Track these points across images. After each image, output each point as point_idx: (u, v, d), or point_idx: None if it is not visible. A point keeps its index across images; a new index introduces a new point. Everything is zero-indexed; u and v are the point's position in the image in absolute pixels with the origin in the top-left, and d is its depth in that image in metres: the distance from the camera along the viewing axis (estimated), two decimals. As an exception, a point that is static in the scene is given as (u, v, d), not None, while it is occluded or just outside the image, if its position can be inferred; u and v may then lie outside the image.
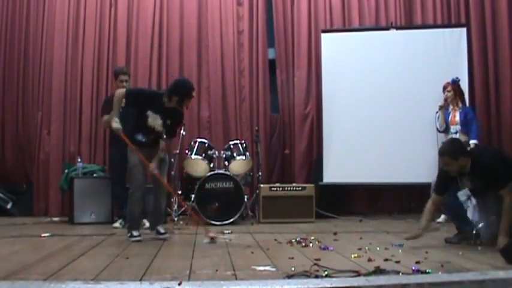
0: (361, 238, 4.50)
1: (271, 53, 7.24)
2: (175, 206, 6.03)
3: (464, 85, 6.24)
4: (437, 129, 5.95)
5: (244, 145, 6.18)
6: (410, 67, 6.44)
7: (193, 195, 5.88)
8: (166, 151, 4.69)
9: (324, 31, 6.80)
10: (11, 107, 6.98)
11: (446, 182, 4.07)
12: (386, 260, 3.32)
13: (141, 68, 6.98)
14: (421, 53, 6.46)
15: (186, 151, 6.15)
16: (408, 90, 6.41)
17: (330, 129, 6.56)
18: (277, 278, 2.80)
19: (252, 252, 3.79)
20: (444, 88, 5.90)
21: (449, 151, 3.91)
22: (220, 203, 5.80)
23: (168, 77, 6.99)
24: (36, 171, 6.85)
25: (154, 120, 4.43)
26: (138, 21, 7.05)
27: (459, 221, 4.19)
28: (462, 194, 4.01)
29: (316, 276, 2.79)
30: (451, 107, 5.87)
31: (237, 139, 6.35)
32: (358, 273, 2.85)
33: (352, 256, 3.49)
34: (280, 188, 6.01)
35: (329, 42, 6.67)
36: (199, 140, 6.19)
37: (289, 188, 6.05)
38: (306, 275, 2.84)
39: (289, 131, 7.07)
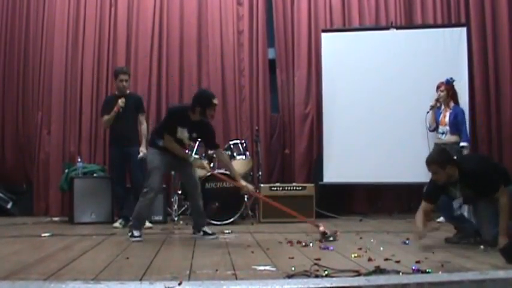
0: (361, 238, 4.50)
1: (271, 53, 7.24)
2: (175, 206, 6.03)
3: (464, 85, 6.26)
4: (427, 128, 5.96)
5: (244, 145, 6.18)
6: (410, 67, 6.44)
7: (193, 195, 5.88)
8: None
9: (324, 31, 6.80)
10: (11, 107, 6.99)
11: (437, 190, 4.06)
12: (386, 259, 3.32)
13: (141, 68, 6.99)
14: (421, 52, 6.46)
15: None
16: (408, 90, 6.41)
17: (330, 129, 6.55)
18: (277, 278, 2.79)
19: (252, 252, 3.79)
20: (438, 87, 5.91)
21: (437, 160, 3.95)
22: (220, 203, 5.80)
23: (168, 77, 7.01)
24: (36, 171, 6.85)
25: (182, 133, 4.55)
26: (138, 21, 7.06)
27: (456, 220, 4.19)
28: (455, 203, 4.03)
29: (316, 276, 2.79)
30: (442, 107, 5.87)
31: (237, 139, 6.35)
32: (358, 273, 2.85)
33: (352, 256, 3.49)
34: (280, 188, 6.01)
35: (329, 42, 6.67)
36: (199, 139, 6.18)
37: (289, 188, 6.05)
38: (306, 274, 2.84)
39: (289, 131, 7.07)
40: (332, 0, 7.12)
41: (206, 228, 4.70)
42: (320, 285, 2.65)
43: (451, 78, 5.89)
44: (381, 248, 3.86)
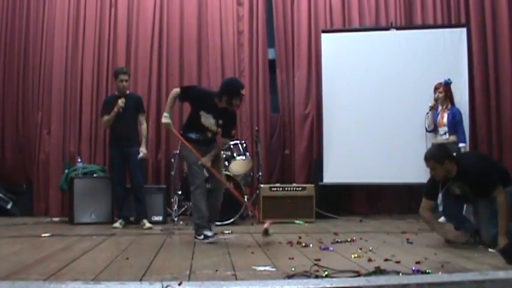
0: (361, 238, 4.50)
1: (271, 53, 7.24)
2: (175, 206, 6.03)
3: (464, 85, 6.28)
4: (425, 129, 5.97)
5: (244, 145, 6.18)
6: (410, 67, 6.44)
7: (193, 195, 5.88)
8: (218, 149, 4.69)
9: (324, 31, 6.80)
10: (11, 107, 6.99)
11: (437, 187, 4.08)
12: (386, 260, 3.32)
13: (141, 68, 6.99)
14: (421, 53, 6.46)
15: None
16: (408, 90, 6.41)
17: (330, 129, 6.55)
18: (277, 278, 2.80)
19: (252, 252, 3.79)
20: (436, 89, 5.93)
21: (434, 155, 3.96)
22: (220, 203, 5.78)
23: (168, 77, 7.01)
24: (36, 171, 6.85)
25: (207, 120, 4.48)
26: (138, 21, 7.06)
27: (456, 220, 4.20)
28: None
29: (316, 277, 2.79)
30: (439, 108, 5.89)
31: (237, 139, 6.34)
32: (358, 274, 2.85)
33: (352, 256, 3.49)
34: (280, 188, 6.01)
35: (329, 42, 6.66)
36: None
37: (289, 188, 6.05)
38: (306, 275, 2.84)
39: (289, 131, 7.07)
40: (332, 1, 7.12)
41: (211, 226, 4.60)
42: (320, 286, 2.65)
43: (449, 79, 5.92)
44: (381, 248, 3.86)
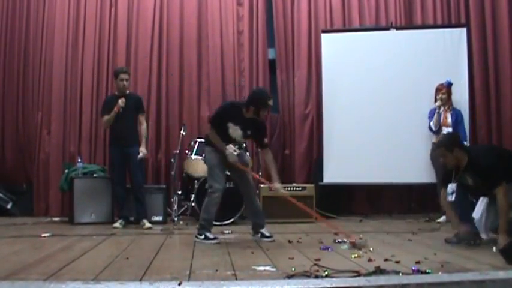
0: (361, 238, 4.49)
1: (271, 53, 7.23)
2: (175, 206, 6.03)
3: (464, 85, 6.29)
4: (430, 128, 5.97)
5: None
6: (410, 67, 6.44)
7: (193, 195, 5.89)
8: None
9: (324, 31, 6.80)
10: (11, 107, 6.99)
11: (450, 176, 4.13)
12: (386, 260, 3.32)
13: (141, 68, 6.99)
14: (421, 53, 6.45)
15: (186, 151, 6.15)
16: (408, 90, 6.41)
17: (330, 129, 6.55)
18: (277, 278, 2.80)
19: (252, 252, 3.79)
20: (438, 90, 5.96)
21: (445, 143, 4.06)
22: (220, 203, 5.78)
23: (168, 77, 7.01)
24: (36, 171, 6.85)
25: (235, 131, 4.46)
26: (138, 21, 7.06)
27: (462, 213, 4.17)
28: (450, 187, 4.09)
29: (316, 277, 2.79)
30: (442, 108, 5.91)
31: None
32: (358, 274, 2.85)
33: (352, 256, 3.49)
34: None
35: (329, 42, 6.66)
36: (199, 140, 6.18)
37: (289, 189, 6.03)
38: (306, 275, 2.84)
39: (289, 131, 7.06)
40: (332, 1, 7.11)
41: (264, 230, 4.54)
42: (320, 286, 2.65)
43: (451, 80, 5.96)
44: (381, 248, 3.86)
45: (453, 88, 6.02)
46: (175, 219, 5.90)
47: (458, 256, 3.50)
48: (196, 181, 5.95)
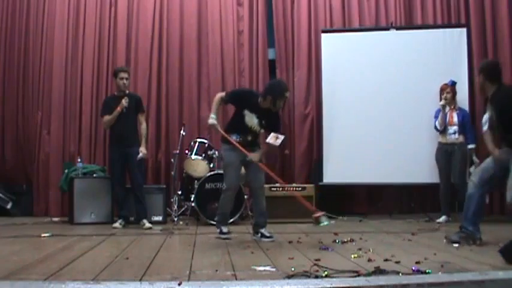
0: (361, 238, 4.50)
1: (271, 53, 7.23)
2: (175, 206, 6.03)
3: (464, 85, 6.29)
4: (435, 128, 5.97)
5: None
6: (410, 67, 6.43)
7: (193, 195, 5.89)
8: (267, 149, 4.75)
9: (324, 31, 6.80)
10: (11, 107, 6.99)
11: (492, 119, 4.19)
12: (386, 260, 3.32)
13: (141, 68, 6.99)
14: (421, 53, 6.45)
15: (186, 151, 6.15)
16: (408, 90, 6.41)
17: (330, 129, 6.55)
18: (277, 278, 2.80)
19: (252, 252, 3.80)
20: (443, 90, 5.97)
21: (481, 64, 4.24)
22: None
23: (168, 77, 7.01)
24: (36, 171, 6.86)
25: (251, 119, 4.56)
26: (138, 21, 7.06)
27: (466, 219, 4.17)
28: (484, 117, 4.23)
29: (316, 277, 2.79)
30: (448, 108, 5.91)
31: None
32: (358, 274, 2.85)
33: (352, 256, 3.49)
34: (280, 188, 6.00)
35: (329, 42, 6.66)
36: (199, 140, 6.19)
37: (289, 188, 6.04)
38: (306, 275, 2.84)
39: (289, 131, 7.06)
40: (332, 1, 7.11)
41: (264, 230, 4.60)
42: (320, 286, 2.65)
43: (455, 80, 5.98)
44: (381, 248, 3.86)
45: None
46: (175, 219, 5.91)
47: (458, 256, 3.50)
48: (196, 181, 5.96)
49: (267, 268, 3.12)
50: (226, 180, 4.66)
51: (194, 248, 4.05)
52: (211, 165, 6.07)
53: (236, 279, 2.82)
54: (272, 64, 7.19)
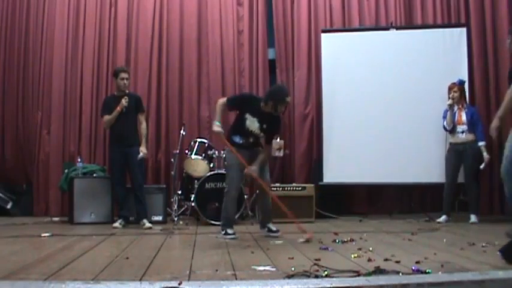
0: (361, 238, 4.50)
1: (271, 53, 7.23)
2: (175, 206, 6.03)
3: (465, 85, 6.26)
4: (444, 128, 5.97)
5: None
6: (410, 67, 6.43)
7: (193, 195, 5.89)
8: (265, 156, 4.85)
9: (324, 31, 6.80)
10: (11, 107, 6.99)
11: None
12: (386, 260, 3.32)
13: (141, 68, 6.99)
14: (421, 53, 6.45)
15: (186, 151, 6.15)
16: (408, 90, 6.41)
17: (330, 129, 6.55)
18: (277, 278, 2.79)
19: (252, 252, 3.80)
20: (450, 89, 5.95)
21: (510, 28, 4.16)
22: (220, 203, 5.78)
23: (168, 77, 7.01)
24: (36, 171, 6.85)
25: (252, 124, 4.66)
26: (138, 21, 7.06)
27: None
28: None
29: (316, 276, 2.79)
30: (456, 107, 5.90)
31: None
32: (358, 273, 2.85)
33: (352, 256, 3.49)
34: (280, 188, 6.00)
35: (329, 42, 6.66)
36: (199, 140, 6.19)
37: (289, 188, 6.05)
38: (306, 275, 2.84)
39: (289, 131, 7.06)
40: (332, 0, 7.11)
41: (271, 225, 4.81)
42: (320, 286, 2.65)
43: (463, 79, 5.98)
44: (381, 248, 3.86)
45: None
46: (175, 219, 5.90)
47: (458, 256, 3.50)
48: (196, 181, 5.96)
49: (267, 268, 3.12)
50: (228, 182, 4.73)
51: (194, 248, 4.04)
52: (211, 165, 6.07)
53: (236, 279, 2.82)
54: (272, 64, 7.19)
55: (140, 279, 2.78)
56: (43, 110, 6.93)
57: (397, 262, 3.22)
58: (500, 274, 2.85)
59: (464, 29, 6.50)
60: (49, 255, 3.66)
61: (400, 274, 2.83)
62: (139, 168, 5.81)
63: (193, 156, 6.00)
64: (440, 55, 6.41)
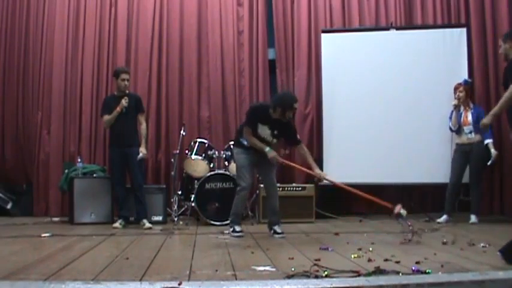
0: (361, 238, 4.49)
1: (271, 53, 7.23)
2: (175, 206, 6.03)
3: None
4: (450, 129, 5.96)
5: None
6: (410, 67, 6.44)
7: (193, 195, 5.89)
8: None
9: (324, 31, 6.80)
10: (11, 107, 6.99)
11: None
12: (386, 260, 3.32)
13: (141, 68, 6.99)
14: (421, 53, 6.45)
15: (186, 151, 6.16)
16: (408, 90, 6.41)
17: (330, 129, 6.55)
18: (277, 278, 2.80)
19: (252, 252, 3.80)
20: (456, 89, 5.94)
21: (506, 33, 4.46)
22: (220, 203, 5.80)
23: (168, 77, 7.01)
24: (36, 171, 6.85)
25: (263, 131, 4.80)
26: (138, 21, 7.06)
27: None
28: None
29: (316, 277, 2.79)
30: (462, 107, 5.89)
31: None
32: (358, 274, 2.85)
33: (352, 256, 3.49)
34: (280, 188, 5.98)
35: (329, 42, 6.66)
36: (199, 140, 6.19)
37: (289, 188, 6.05)
38: (305, 275, 2.84)
39: (289, 131, 7.05)
40: (332, 1, 7.11)
41: (277, 227, 4.87)
42: (320, 286, 2.65)
43: (469, 79, 5.98)
44: (381, 248, 3.86)
45: (452, 88, 6.01)
46: (175, 219, 5.90)
47: (458, 256, 3.50)
48: (196, 181, 5.96)
49: (267, 268, 3.12)
50: (241, 180, 4.88)
51: (194, 248, 4.05)
52: (211, 165, 6.07)
53: (236, 279, 2.82)
54: (272, 64, 7.19)
55: (140, 280, 2.78)
56: (43, 110, 6.93)
57: (397, 262, 3.22)
58: (500, 274, 2.85)
59: (464, 29, 6.51)
60: (49, 256, 3.66)
61: (400, 274, 2.83)
62: (140, 168, 5.81)
63: (193, 157, 6.01)
64: (440, 55, 6.42)
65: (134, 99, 5.77)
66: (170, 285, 2.61)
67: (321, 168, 6.49)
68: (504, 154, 6.61)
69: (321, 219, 6.14)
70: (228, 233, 4.95)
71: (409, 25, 6.99)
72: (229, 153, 6.09)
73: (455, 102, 5.86)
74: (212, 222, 5.73)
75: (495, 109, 4.29)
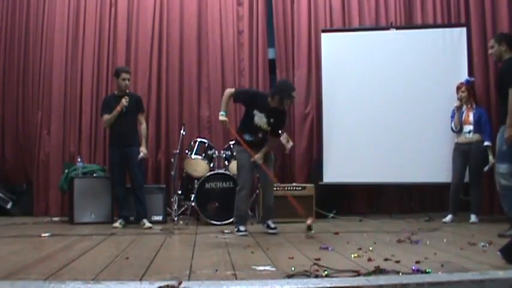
0: (361, 238, 4.49)
1: (271, 53, 7.23)
2: (175, 206, 6.03)
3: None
4: (452, 129, 5.95)
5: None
6: (410, 67, 6.44)
7: (193, 195, 5.89)
8: (269, 147, 5.06)
9: (324, 31, 6.80)
10: (11, 107, 6.99)
11: None
12: (386, 259, 3.32)
13: (141, 68, 6.99)
14: (421, 53, 6.45)
15: (186, 151, 6.16)
16: (408, 90, 6.41)
17: (330, 129, 6.56)
18: (277, 278, 2.79)
19: (252, 252, 3.80)
20: (458, 88, 5.94)
21: (498, 35, 4.65)
22: (220, 202, 5.81)
23: (168, 77, 7.01)
24: (36, 171, 6.86)
25: (260, 119, 4.88)
26: (138, 21, 7.06)
27: None
28: None
29: (316, 276, 2.79)
30: (464, 107, 5.88)
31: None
32: (358, 273, 2.85)
33: (352, 256, 3.49)
34: (280, 188, 6.00)
35: (329, 42, 6.66)
36: (199, 140, 6.20)
37: (289, 188, 6.05)
38: (306, 275, 2.84)
39: (289, 130, 7.05)
40: (332, 0, 7.11)
41: (270, 222, 5.02)
42: (320, 285, 2.65)
43: (471, 78, 5.98)
44: (380, 248, 3.86)
45: (452, 88, 6.01)
46: (175, 219, 5.91)
47: (458, 256, 3.50)
48: (196, 181, 5.96)
49: (267, 268, 3.12)
50: (240, 181, 4.97)
51: (194, 248, 4.04)
52: (211, 165, 6.07)
53: (236, 279, 2.82)
54: (272, 64, 7.19)
55: (140, 279, 2.78)
56: (43, 110, 6.93)
57: (397, 262, 3.22)
58: (500, 274, 2.85)
59: (464, 29, 6.50)
60: (49, 255, 3.66)
61: (400, 274, 2.83)
62: (140, 168, 5.81)
63: (193, 156, 6.01)
64: (440, 55, 6.42)
65: (134, 99, 5.77)
66: (170, 285, 2.61)
67: (321, 168, 6.55)
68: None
69: (321, 219, 6.14)
70: (230, 233, 4.96)
71: (409, 25, 6.99)
72: (229, 152, 6.09)
73: (457, 103, 5.85)
74: (212, 222, 5.73)
75: (508, 121, 4.40)
